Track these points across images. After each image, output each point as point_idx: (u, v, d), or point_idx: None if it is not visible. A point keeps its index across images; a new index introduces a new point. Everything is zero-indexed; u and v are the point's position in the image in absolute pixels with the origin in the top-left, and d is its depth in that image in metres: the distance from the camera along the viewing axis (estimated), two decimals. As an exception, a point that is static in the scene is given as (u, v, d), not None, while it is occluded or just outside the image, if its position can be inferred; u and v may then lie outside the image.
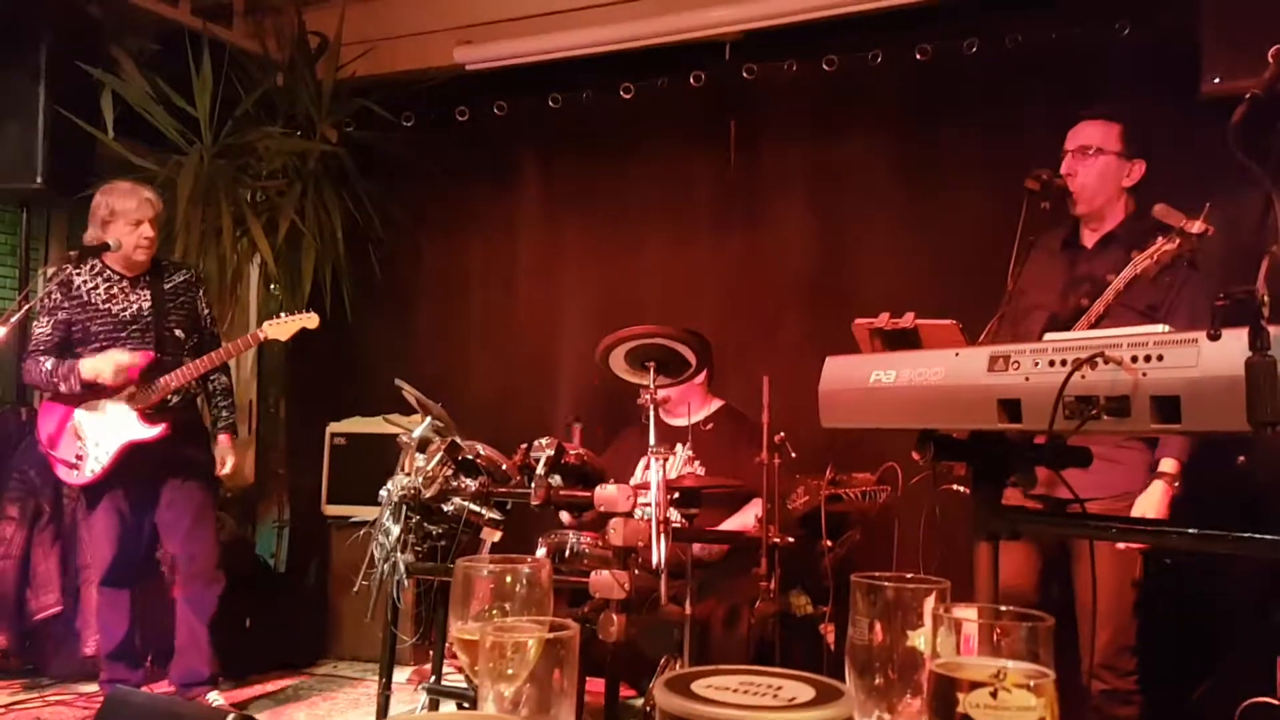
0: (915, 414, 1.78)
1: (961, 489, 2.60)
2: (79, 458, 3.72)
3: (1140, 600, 2.88)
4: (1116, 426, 1.52)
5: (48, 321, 3.76)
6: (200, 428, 3.96)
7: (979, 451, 1.83)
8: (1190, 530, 1.68)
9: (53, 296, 3.77)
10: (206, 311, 3.99)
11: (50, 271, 3.91)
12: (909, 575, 0.88)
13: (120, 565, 3.79)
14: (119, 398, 3.71)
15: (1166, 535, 1.70)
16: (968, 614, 0.80)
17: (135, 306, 3.79)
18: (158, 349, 3.76)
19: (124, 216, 3.71)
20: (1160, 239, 2.48)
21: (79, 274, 3.79)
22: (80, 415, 3.75)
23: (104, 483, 3.74)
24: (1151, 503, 2.77)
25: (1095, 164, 2.95)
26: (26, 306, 3.79)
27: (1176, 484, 2.77)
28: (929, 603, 0.89)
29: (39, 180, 4.23)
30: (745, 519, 3.51)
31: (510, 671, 0.86)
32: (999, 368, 1.64)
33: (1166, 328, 1.54)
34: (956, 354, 1.72)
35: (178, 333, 3.85)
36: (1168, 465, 2.79)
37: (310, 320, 3.88)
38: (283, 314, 3.88)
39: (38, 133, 4.23)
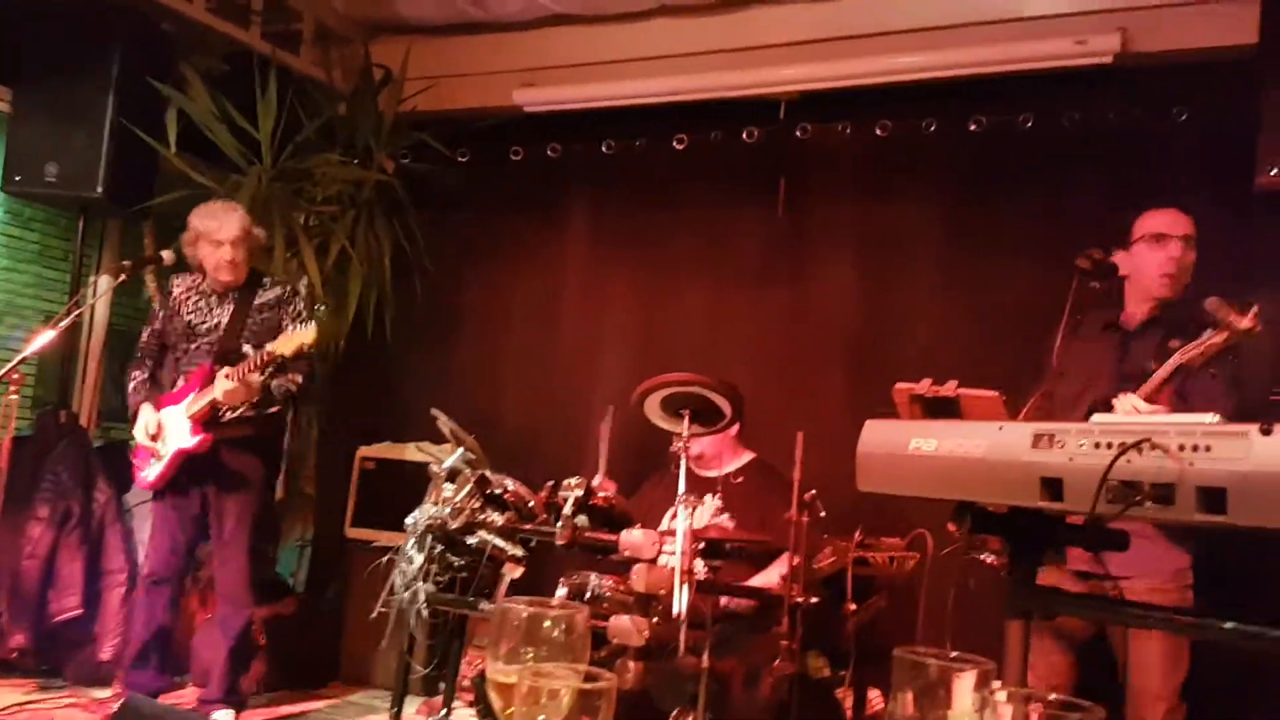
0: (954, 485, 1.77)
1: (989, 558, 2.55)
2: (154, 457, 3.76)
3: (1189, 681, 2.82)
4: (1160, 514, 1.50)
5: (147, 328, 3.92)
6: (254, 446, 3.85)
7: (1017, 527, 1.81)
8: (1229, 624, 1.64)
9: (154, 304, 3.89)
10: (290, 327, 3.80)
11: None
12: (954, 654, 0.87)
13: (157, 564, 3.80)
14: (182, 403, 3.74)
15: (1208, 628, 1.67)
16: (1014, 699, 0.79)
17: (214, 320, 3.84)
18: (217, 363, 3.74)
19: (206, 236, 3.77)
20: (1209, 331, 2.44)
21: (180, 284, 3.89)
22: (163, 415, 3.76)
23: (166, 484, 3.78)
24: None
25: (1191, 252, 2.94)
26: (76, 312, 3.85)
27: None
28: (960, 681, 0.87)
29: (99, 190, 4.30)
30: (770, 576, 3.48)
31: (543, 718, 0.87)
32: (1043, 445, 1.63)
33: (1216, 417, 1.52)
34: (1000, 428, 1.71)
35: (246, 349, 3.77)
36: None
37: (308, 335, 3.59)
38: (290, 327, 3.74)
39: (102, 143, 4.30)
